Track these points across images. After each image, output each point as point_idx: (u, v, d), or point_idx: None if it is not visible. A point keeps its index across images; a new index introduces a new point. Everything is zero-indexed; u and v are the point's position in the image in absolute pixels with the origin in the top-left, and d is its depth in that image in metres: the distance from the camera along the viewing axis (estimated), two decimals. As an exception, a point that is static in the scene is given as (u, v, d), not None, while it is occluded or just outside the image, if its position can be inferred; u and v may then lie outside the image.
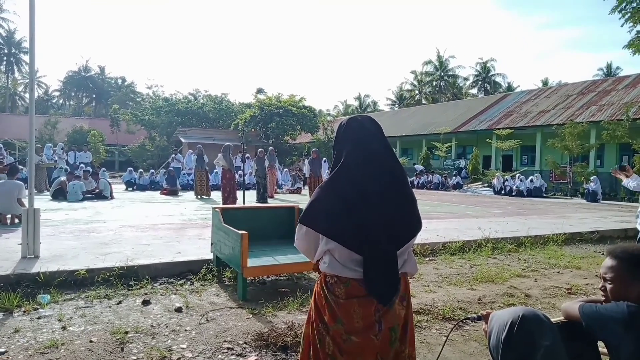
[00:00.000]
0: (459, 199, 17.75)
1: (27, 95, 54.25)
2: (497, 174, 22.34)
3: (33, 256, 5.21)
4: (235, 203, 12.14)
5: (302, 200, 13.46)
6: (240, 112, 35.86)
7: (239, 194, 12.33)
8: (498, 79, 54.16)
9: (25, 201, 6.47)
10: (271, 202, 13.50)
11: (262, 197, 13.51)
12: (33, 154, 5.79)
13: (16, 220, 7.92)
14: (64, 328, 3.49)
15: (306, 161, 15.58)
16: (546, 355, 1.69)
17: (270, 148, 17.73)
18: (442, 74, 54.35)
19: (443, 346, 3.03)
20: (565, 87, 30.30)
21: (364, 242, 1.65)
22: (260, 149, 14.95)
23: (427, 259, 6.21)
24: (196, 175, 15.33)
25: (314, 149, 15.08)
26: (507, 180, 21.08)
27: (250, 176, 14.47)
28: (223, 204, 11.87)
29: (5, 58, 53.79)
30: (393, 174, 1.75)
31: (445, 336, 3.35)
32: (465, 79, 55.33)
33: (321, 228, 1.70)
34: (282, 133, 31.88)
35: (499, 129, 26.20)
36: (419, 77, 56.67)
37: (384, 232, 1.67)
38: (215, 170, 17.89)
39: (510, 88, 51.03)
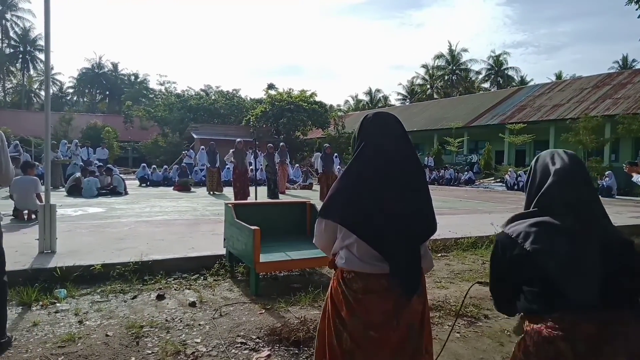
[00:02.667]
0: (471, 194, 17.63)
1: (42, 92, 55.02)
2: (510, 169, 22.13)
3: (50, 251, 5.31)
4: (246, 199, 12.20)
5: (313, 196, 13.49)
6: (252, 108, 35.97)
7: (251, 189, 12.39)
8: (511, 73, 53.49)
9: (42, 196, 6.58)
10: (282, 198, 13.54)
11: (273, 193, 13.55)
12: (49, 150, 5.88)
13: (33, 216, 8.06)
14: (80, 322, 3.56)
15: (318, 157, 15.56)
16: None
17: (282, 144, 17.77)
18: (454, 68, 53.82)
19: (453, 325, 3.03)
20: (580, 81, 29.85)
21: (388, 236, 1.65)
22: (270, 145, 14.98)
23: (439, 254, 6.19)
24: (208, 171, 15.44)
25: (326, 145, 15.06)
26: (520, 175, 20.86)
27: (261, 172, 14.53)
28: (234, 199, 11.94)
29: (20, 56, 54.52)
30: (413, 172, 1.75)
31: (449, 327, 3.34)
32: (478, 72, 54.76)
33: (342, 221, 1.69)
34: (293, 129, 31.93)
35: (511, 123, 25.94)
36: (430, 72, 56.19)
37: (405, 228, 1.68)
38: (227, 166, 17.99)
39: (523, 82, 50.38)
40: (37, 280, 4.41)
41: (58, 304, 3.96)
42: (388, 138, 1.74)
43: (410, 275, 1.69)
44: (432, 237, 1.83)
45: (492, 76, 54.47)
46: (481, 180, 25.12)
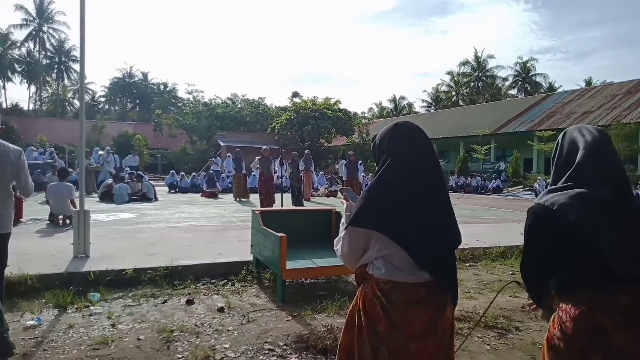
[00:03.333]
0: (499, 202, 17.30)
1: (75, 101, 57.00)
2: (539, 177, 21.63)
3: (84, 255, 5.48)
4: (271, 206, 12.30)
5: (338, 203, 13.45)
6: (277, 116, 36.31)
7: (277, 196, 12.48)
8: (539, 79, 52.40)
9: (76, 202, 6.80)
10: (307, 205, 13.59)
11: (297, 200, 13.62)
12: (84, 158, 6.09)
13: (67, 221, 8.32)
14: (113, 325, 3.66)
15: (343, 164, 15.58)
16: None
17: (307, 151, 17.86)
18: (480, 74, 53.11)
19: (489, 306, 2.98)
20: (611, 87, 29.03)
21: (426, 245, 1.66)
22: (294, 152, 15.09)
23: (467, 264, 6.10)
24: (235, 178, 15.65)
25: (350, 152, 15.07)
26: (549, 184, 20.31)
27: (286, 179, 14.64)
28: (260, 206, 12.05)
29: (56, 66, 56.63)
30: (439, 183, 1.77)
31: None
32: (505, 79, 53.84)
33: (383, 229, 1.65)
34: (317, 136, 32.06)
35: (540, 130, 25.38)
36: (455, 78, 55.60)
37: (440, 237, 1.70)
38: (253, 173, 18.19)
39: (551, 88, 49.24)
40: (72, 283, 4.55)
41: (92, 307, 4.08)
42: (415, 149, 1.74)
43: (454, 282, 1.74)
44: (459, 247, 1.83)
45: (520, 83, 53.48)
46: (509, 189, 24.61)
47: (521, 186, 24.70)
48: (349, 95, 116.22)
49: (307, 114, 31.53)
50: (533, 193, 21.28)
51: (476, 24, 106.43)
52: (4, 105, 53.46)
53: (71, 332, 3.51)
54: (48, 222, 8.56)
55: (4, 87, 54.68)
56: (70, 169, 14.00)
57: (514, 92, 53.73)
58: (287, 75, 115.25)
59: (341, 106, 33.98)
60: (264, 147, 13.96)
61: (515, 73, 53.19)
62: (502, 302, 4.51)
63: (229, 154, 21.73)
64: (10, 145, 3.30)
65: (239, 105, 41.12)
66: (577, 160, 1.58)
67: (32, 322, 3.64)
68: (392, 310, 1.65)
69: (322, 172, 22.84)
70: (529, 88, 51.88)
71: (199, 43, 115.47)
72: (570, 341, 1.48)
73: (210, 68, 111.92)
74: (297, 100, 38.01)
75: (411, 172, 1.70)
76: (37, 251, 5.77)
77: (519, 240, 7.05)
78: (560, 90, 42.76)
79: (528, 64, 52.38)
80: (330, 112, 32.08)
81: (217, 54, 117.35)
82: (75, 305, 4.08)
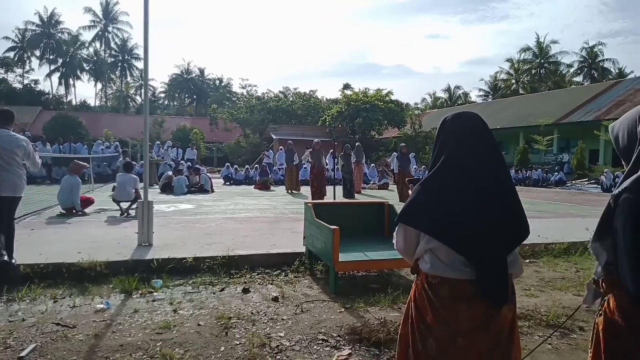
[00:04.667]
0: (562, 196, 16.42)
1: (137, 97, 60.10)
2: (605, 170, 20.29)
3: (147, 244, 5.78)
4: (323, 198, 12.38)
5: (389, 196, 13.35)
6: (328, 108, 36.40)
7: (329, 189, 12.55)
8: (607, 65, 48.89)
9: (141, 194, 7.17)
10: (358, 198, 13.56)
11: (348, 193, 13.62)
12: (147, 152, 6.40)
13: (132, 212, 8.77)
14: (175, 311, 3.84)
15: (395, 156, 15.38)
16: None
17: (357, 143, 17.78)
18: (542, 61, 50.35)
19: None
20: (693, 71, 26.56)
21: (472, 243, 1.60)
22: (347, 144, 15.07)
23: (527, 260, 5.85)
24: (287, 171, 15.89)
25: (402, 144, 14.84)
26: (617, 176, 19.03)
27: (337, 172, 14.68)
28: (311, 198, 12.16)
29: (119, 64, 59.89)
30: (499, 175, 1.69)
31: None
32: (569, 65, 50.70)
33: (424, 227, 1.67)
34: (368, 128, 31.84)
35: (608, 119, 23.72)
36: (515, 66, 53.07)
37: (492, 233, 1.62)
38: (304, 166, 18.38)
39: (621, 74, 45.84)
40: (136, 270, 4.82)
41: (155, 293, 4.30)
42: (468, 142, 1.69)
43: (499, 284, 1.62)
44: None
45: (585, 69, 50.20)
46: (573, 182, 23.28)
47: (586, 179, 23.30)
48: (402, 86, 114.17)
49: (358, 106, 31.36)
50: (599, 186, 20.02)
51: (539, 7, 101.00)
52: (73, 102, 57.41)
53: (136, 316, 3.72)
54: (115, 210, 9.11)
55: (74, 85, 58.63)
56: (134, 162, 14.80)
57: (579, 79, 50.59)
58: (338, 68, 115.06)
59: (393, 97, 33.52)
60: (316, 140, 14.05)
61: (581, 59, 49.97)
62: (564, 300, 4.30)
63: (280, 147, 22.10)
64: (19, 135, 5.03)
65: (291, 99, 41.58)
66: None
67: (101, 306, 3.89)
68: (439, 304, 1.65)
69: (372, 164, 22.67)
70: (595, 75, 48.62)
71: (252, 38, 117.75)
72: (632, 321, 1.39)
73: (264, 62, 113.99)
74: (348, 92, 37.92)
75: (460, 167, 1.65)
76: (104, 239, 6.16)
77: (584, 236, 6.67)
78: (631, 76, 39.77)
79: (595, 49, 49.04)
80: (381, 103, 31.72)
81: (270, 48, 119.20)
82: (140, 291, 4.32)
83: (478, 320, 1.62)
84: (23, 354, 2.95)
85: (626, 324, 1.41)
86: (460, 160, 1.66)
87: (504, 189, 1.69)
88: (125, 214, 8.81)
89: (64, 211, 8.73)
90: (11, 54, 53.74)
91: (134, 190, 8.89)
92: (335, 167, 14.36)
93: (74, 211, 8.71)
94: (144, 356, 2.97)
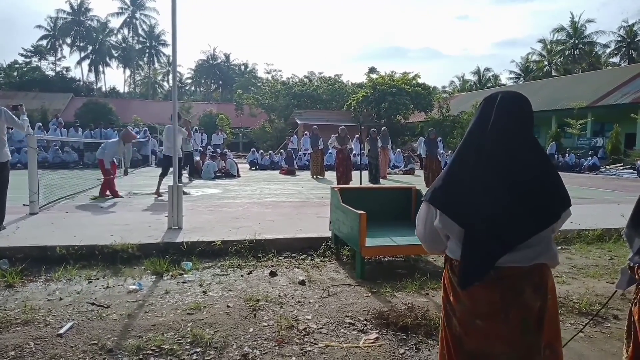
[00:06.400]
0: (596, 182, 15.90)
1: (165, 83, 60.92)
2: (643, 155, 19.48)
3: (177, 227, 5.91)
4: (348, 183, 12.35)
5: (415, 181, 13.21)
6: (353, 93, 36.00)
7: (355, 174, 12.50)
8: (647, 44, 46.63)
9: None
10: (384, 183, 13.48)
11: (374, 178, 13.54)
12: (177, 137, 6.50)
13: (163, 197, 8.95)
14: (204, 293, 3.93)
15: (422, 141, 15.16)
16: None
17: (383, 128, 17.60)
18: (577, 41, 48.37)
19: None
20: None
21: (494, 226, 1.56)
22: (373, 129, 14.92)
23: (559, 247, 5.70)
24: (312, 156, 15.89)
25: (430, 129, 14.59)
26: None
27: (364, 157, 14.59)
28: (337, 184, 12.15)
29: (147, 51, 60.73)
30: (524, 161, 1.60)
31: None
32: (605, 46, 48.49)
33: (438, 204, 1.66)
34: (394, 112, 31.36)
35: (647, 102, 22.72)
36: (548, 47, 51.17)
37: (517, 217, 1.56)
38: (330, 151, 18.33)
39: (664, 54, 43.67)
40: (167, 252, 4.95)
41: (185, 275, 4.41)
42: (503, 117, 1.62)
43: (477, 264, 1.58)
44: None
45: (623, 49, 47.98)
46: (608, 167, 22.48)
47: (621, 164, 22.44)
48: (429, 69, 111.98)
49: (384, 90, 30.87)
50: (635, 172, 19.28)
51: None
52: (103, 89, 58.68)
53: (167, 297, 3.83)
54: (146, 195, 9.34)
55: (103, 72, 59.87)
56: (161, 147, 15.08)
57: (616, 60, 48.39)
58: (363, 51, 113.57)
59: (420, 81, 32.83)
60: (342, 126, 13.97)
61: (619, 39, 47.72)
62: (597, 288, 4.19)
63: (305, 132, 22.07)
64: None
65: (316, 84, 41.30)
66: None
67: (134, 287, 4.02)
68: (458, 286, 1.68)
69: (398, 149, 22.41)
70: (634, 55, 46.43)
71: (277, 22, 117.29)
72: None
73: (288, 47, 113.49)
74: (373, 76, 37.31)
75: (486, 150, 1.60)
76: (136, 222, 6.33)
77: (618, 223, 6.48)
78: (673, 55, 37.79)
79: (635, 28, 46.74)
80: (408, 87, 31.12)
81: (295, 33, 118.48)
82: (171, 273, 4.44)
83: (495, 304, 1.61)
84: (62, 331, 3.08)
85: None
86: (490, 142, 1.61)
87: (536, 174, 1.60)
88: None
89: (96, 195, 8.99)
90: (44, 42, 55.18)
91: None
92: (362, 152, 14.26)
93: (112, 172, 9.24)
94: (175, 336, 3.06)
